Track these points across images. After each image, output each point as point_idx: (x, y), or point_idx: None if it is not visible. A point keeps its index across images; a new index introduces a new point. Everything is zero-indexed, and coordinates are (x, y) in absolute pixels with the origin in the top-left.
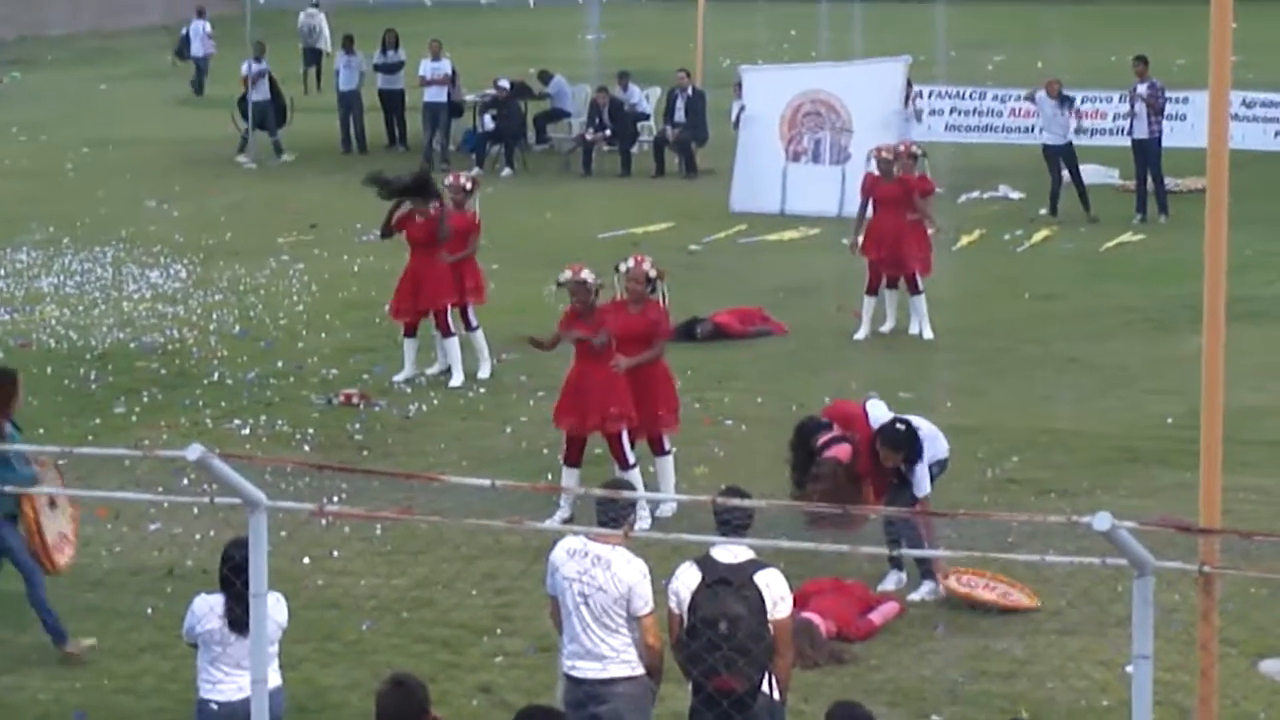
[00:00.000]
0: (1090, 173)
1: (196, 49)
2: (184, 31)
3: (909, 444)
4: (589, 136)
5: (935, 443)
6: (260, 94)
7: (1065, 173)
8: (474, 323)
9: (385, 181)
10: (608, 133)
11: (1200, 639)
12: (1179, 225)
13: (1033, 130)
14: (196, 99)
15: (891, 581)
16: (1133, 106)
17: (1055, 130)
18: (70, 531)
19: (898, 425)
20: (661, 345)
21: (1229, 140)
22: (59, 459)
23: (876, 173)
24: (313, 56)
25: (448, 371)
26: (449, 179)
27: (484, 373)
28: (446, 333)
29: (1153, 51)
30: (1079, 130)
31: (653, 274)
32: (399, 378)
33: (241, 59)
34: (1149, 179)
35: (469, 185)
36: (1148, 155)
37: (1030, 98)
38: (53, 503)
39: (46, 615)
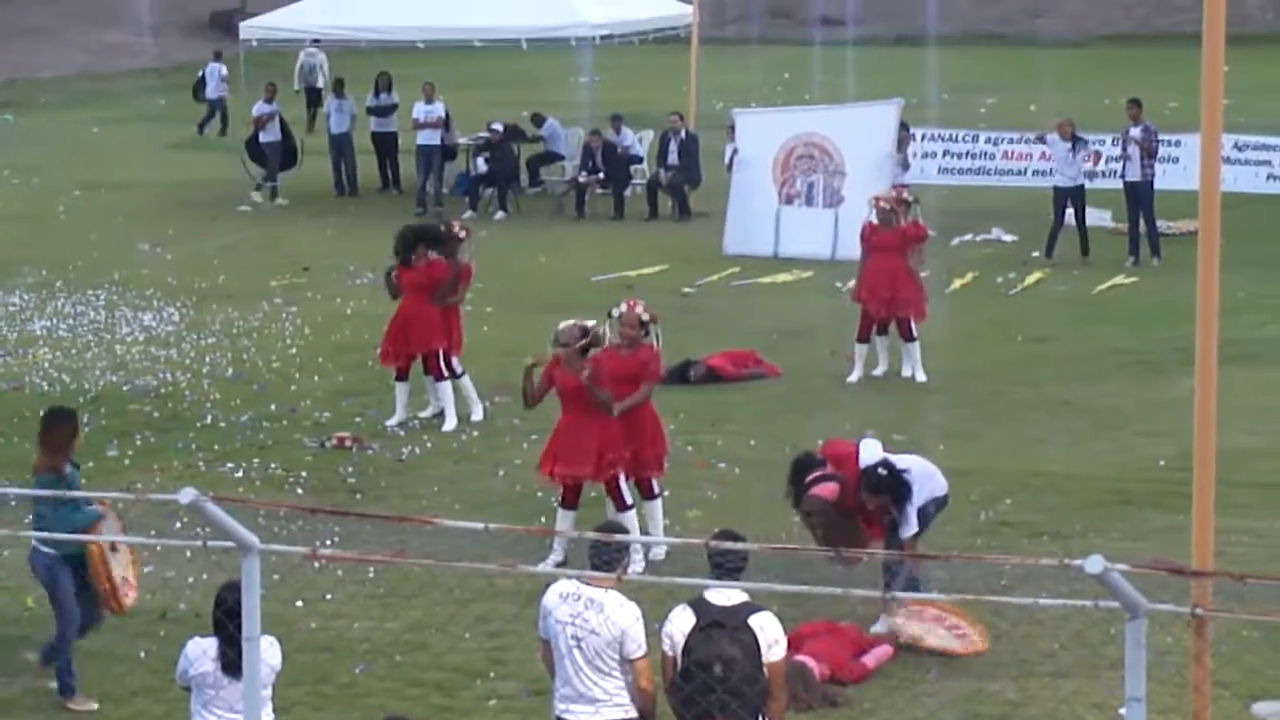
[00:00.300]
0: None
1: (211, 91)
2: (200, 74)
3: (890, 488)
4: (582, 179)
5: (931, 480)
6: (271, 135)
7: (1070, 214)
8: (458, 370)
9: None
10: (600, 175)
11: (1193, 681)
12: (1171, 268)
13: (1025, 173)
14: (198, 139)
15: (883, 624)
16: (1125, 149)
17: (1067, 172)
18: (131, 575)
19: (879, 470)
20: (650, 387)
21: (1221, 183)
22: (117, 503)
23: (875, 221)
24: (314, 96)
25: (440, 415)
26: (442, 227)
27: (476, 415)
28: (439, 376)
29: (1145, 95)
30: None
31: (646, 317)
32: (391, 422)
33: (239, 100)
34: (1141, 222)
35: (462, 234)
36: (1140, 198)
37: (1041, 139)
38: (114, 546)
39: (65, 664)
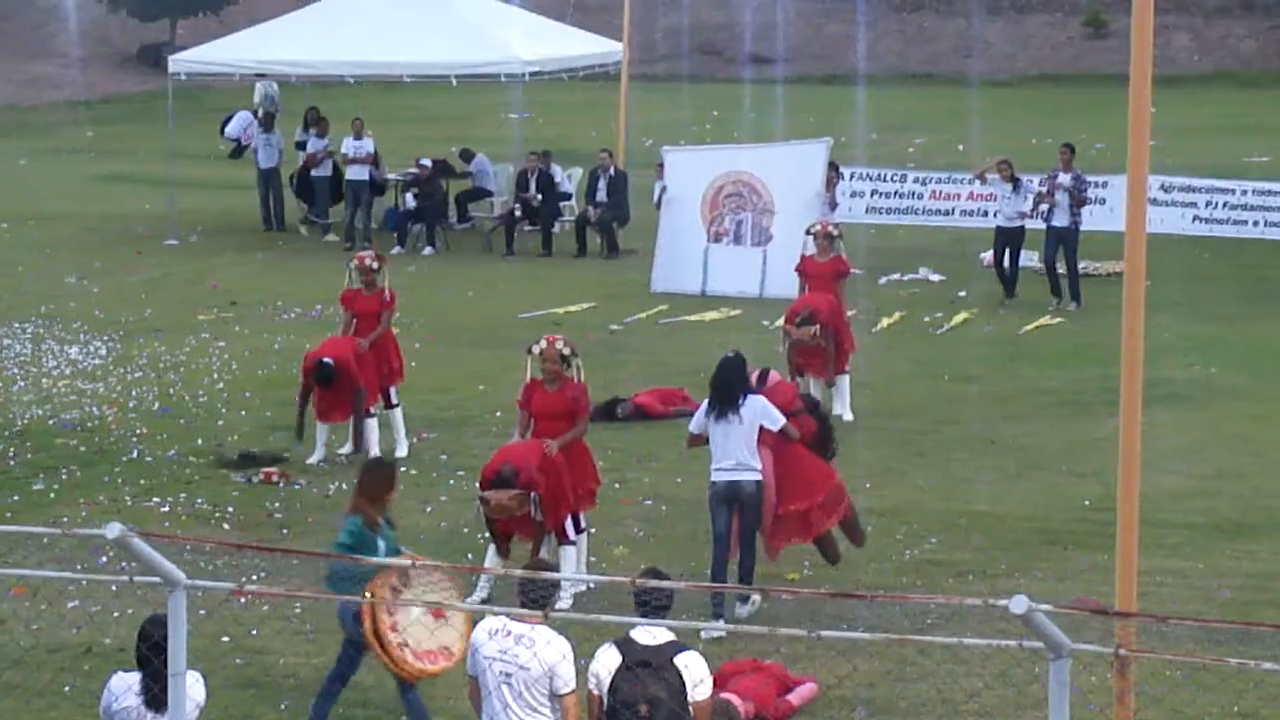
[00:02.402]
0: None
1: (234, 129)
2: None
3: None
4: (516, 208)
5: None
6: (322, 171)
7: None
8: (394, 401)
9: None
10: (539, 198)
11: None
12: (1098, 308)
13: (953, 213)
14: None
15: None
16: (1053, 194)
17: (1009, 213)
18: (455, 647)
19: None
20: (584, 422)
21: (1147, 224)
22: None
23: (810, 251)
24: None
25: (357, 452)
26: (354, 260)
27: (401, 451)
28: (365, 415)
29: (1073, 136)
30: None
31: (566, 352)
32: (311, 459)
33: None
34: (1064, 266)
35: (374, 264)
36: (1066, 243)
37: (981, 178)
38: (441, 614)
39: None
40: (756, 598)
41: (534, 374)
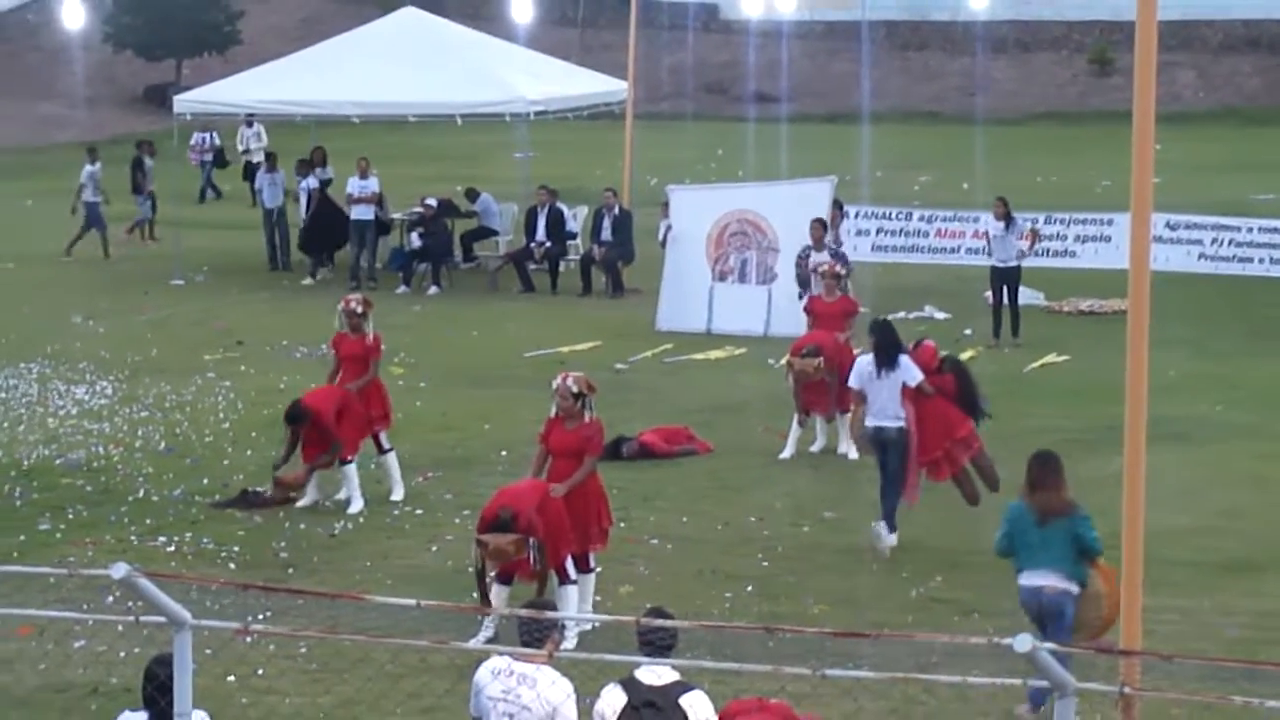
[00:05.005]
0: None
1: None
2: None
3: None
4: (533, 247)
5: None
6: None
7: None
8: (385, 446)
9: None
10: (548, 244)
11: None
12: (1102, 346)
13: (958, 251)
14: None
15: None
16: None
17: (1001, 254)
18: None
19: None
20: (592, 461)
21: (1151, 262)
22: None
23: (817, 291)
24: (251, 170)
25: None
26: (340, 304)
27: (397, 494)
28: (344, 460)
29: (1078, 173)
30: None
31: (575, 390)
32: (303, 503)
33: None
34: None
35: (360, 309)
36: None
37: (975, 220)
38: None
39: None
40: (894, 538)
41: (554, 412)
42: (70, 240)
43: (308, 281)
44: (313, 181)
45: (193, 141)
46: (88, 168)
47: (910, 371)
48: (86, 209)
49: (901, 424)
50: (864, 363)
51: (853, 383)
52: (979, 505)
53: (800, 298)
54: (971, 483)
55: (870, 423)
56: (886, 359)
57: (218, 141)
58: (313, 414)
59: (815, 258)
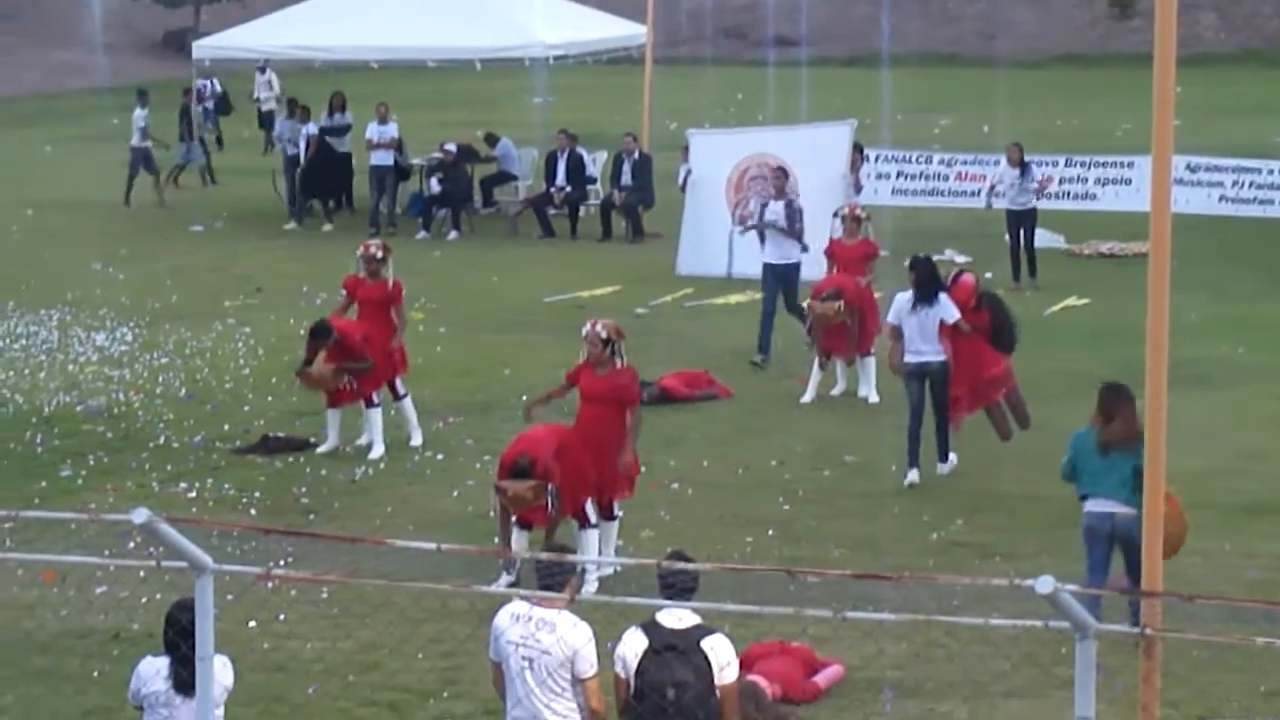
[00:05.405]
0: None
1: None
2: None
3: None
4: (553, 191)
5: None
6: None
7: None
8: (401, 391)
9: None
10: (568, 189)
11: (1142, 701)
12: (1124, 289)
13: (979, 194)
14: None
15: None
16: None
17: (1018, 198)
18: None
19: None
20: (636, 415)
21: (1172, 204)
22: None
23: (838, 235)
24: (267, 118)
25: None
26: (359, 249)
27: (416, 440)
28: (370, 403)
29: (1099, 116)
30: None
31: (604, 335)
32: (323, 449)
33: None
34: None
35: (379, 254)
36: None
37: (995, 164)
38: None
39: None
40: (954, 457)
41: (583, 357)
42: (125, 190)
43: (327, 228)
44: (312, 128)
45: (197, 87)
46: (138, 110)
47: (948, 310)
48: (132, 154)
49: (944, 357)
50: (902, 299)
51: (891, 318)
52: (1010, 441)
53: (761, 247)
54: (1005, 419)
55: (912, 359)
56: (925, 295)
57: (219, 88)
58: (338, 335)
59: (773, 207)
